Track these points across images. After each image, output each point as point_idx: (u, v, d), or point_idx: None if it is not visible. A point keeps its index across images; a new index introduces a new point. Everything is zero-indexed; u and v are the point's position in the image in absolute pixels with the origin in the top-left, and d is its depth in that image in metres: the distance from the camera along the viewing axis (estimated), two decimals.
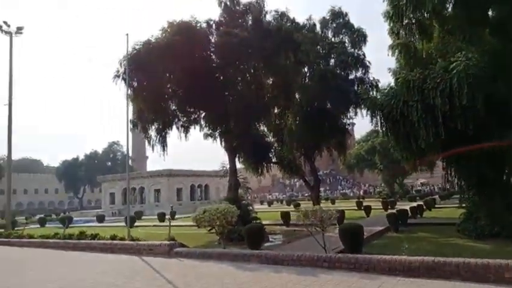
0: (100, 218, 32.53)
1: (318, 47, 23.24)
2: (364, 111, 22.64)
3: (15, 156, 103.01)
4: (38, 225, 30.61)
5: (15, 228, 22.11)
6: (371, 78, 23.27)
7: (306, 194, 73.20)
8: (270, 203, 52.89)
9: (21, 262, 10.29)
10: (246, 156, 22.94)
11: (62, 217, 31.71)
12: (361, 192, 70.46)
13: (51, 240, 12.66)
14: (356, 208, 28.91)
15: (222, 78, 17.65)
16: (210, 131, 22.73)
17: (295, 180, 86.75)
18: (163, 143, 18.92)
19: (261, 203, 57.80)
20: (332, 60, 23.82)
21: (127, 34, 12.72)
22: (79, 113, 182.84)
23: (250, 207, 17.92)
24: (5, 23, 17.90)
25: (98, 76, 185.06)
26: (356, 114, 23.19)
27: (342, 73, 23.20)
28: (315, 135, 23.40)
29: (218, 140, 22.78)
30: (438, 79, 11.23)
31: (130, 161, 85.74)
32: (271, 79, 19.00)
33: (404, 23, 14.17)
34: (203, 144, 72.06)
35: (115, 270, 8.04)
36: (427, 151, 13.12)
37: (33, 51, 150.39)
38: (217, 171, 59.78)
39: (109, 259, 9.65)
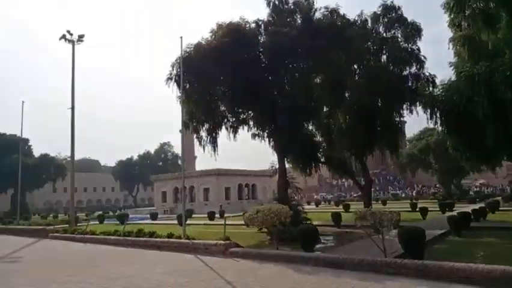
0: (153, 216, 33.82)
1: (369, 43, 22.46)
2: (420, 109, 21.83)
3: (77, 156, 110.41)
4: (98, 222, 32.40)
5: (78, 224, 23.60)
6: (427, 74, 22.02)
7: (355, 195, 71.34)
8: (317, 204, 52.04)
9: (86, 258, 10.72)
10: (294, 156, 22.76)
11: (119, 214, 33.39)
12: (413, 193, 67.35)
13: (112, 237, 13.22)
14: (410, 209, 27.61)
15: (270, 78, 17.64)
16: (258, 131, 22.83)
17: (343, 180, 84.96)
18: (214, 143, 19.26)
19: (308, 203, 56.93)
20: (384, 57, 22.92)
21: (181, 37, 13.09)
22: (132, 115, 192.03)
23: (301, 208, 17.70)
24: (68, 32, 19.24)
25: (149, 79, 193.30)
26: (411, 111, 22.06)
27: (396, 69, 22.23)
28: (366, 134, 22.67)
29: (266, 139, 22.86)
30: (508, 72, 10.36)
31: (180, 161, 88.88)
32: (320, 77, 18.64)
33: (466, 14, 13.22)
34: (250, 144, 72.33)
35: (175, 270, 8.14)
36: (494, 150, 12.15)
37: (88, 55, 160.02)
38: (263, 171, 60.29)
39: (167, 258, 9.81)
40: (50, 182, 66.59)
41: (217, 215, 31.54)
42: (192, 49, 16.12)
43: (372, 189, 75.67)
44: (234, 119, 21.62)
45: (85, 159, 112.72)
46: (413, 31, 22.69)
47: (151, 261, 9.51)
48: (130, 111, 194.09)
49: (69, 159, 73.10)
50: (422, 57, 22.45)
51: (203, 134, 19.88)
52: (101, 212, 45.90)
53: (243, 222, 23.51)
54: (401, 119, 24.05)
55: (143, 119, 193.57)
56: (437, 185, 71.84)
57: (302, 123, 19.15)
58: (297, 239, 10.94)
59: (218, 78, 17.70)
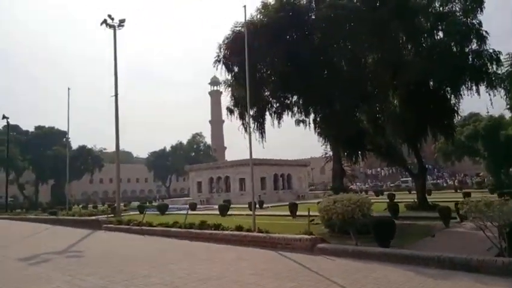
0: (192, 206, 33.49)
1: (422, 19, 20.67)
2: (482, 89, 19.98)
3: (110, 148, 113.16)
4: (137, 212, 32.41)
5: (122, 215, 23.43)
6: (490, 51, 20.02)
7: (392, 184, 68.99)
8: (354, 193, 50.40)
9: (154, 253, 9.71)
10: (339, 143, 21.49)
11: (159, 204, 33.30)
12: (455, 183, 64.20)
13: (172, 229, 12.31)
14: (463, 200, 25.71)
15: (322, 57, 16.38)
16: (303, 117, 21.69)
17: (379, 169, 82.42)
18: (261, 130, 18.31)
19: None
20: (440, 33, 21.08)
21: (245, 6, 11.81)
22: (165, 106, 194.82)
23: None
24: (109, 16, 18.72)
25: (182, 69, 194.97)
26: (475, 92, 20.20)
27: (454, 47, 20.37)
28: (421, 118, 21.08)
29: (311, 125, 21.70)
30: None
31: (212, 152, 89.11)
32: (375, 55, 17.14)
33: None
34: (282, 133, 71.09)
35: (265, 269, 7.05)
36: None
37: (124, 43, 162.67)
38: (298, 161, 59.00)
39: (246, 254, 8.72)
40: (87, 173, 68.11)
41: (257, 206, 30.77)
42: (241, 27, 15.08)
43: (410, 178, 73.07)
44: (277, 105, 20.61)
45: (119, 151, 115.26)
46: (473, 3, 20.69)
47: (229, 258, 8.42)
48: (161, 105, 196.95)
49: (104, 150, 74.96)
50: (484, 33, 20.48)
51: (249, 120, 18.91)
52: (138, 202, 46.40)
53: (284, 212, 22.81)
54: (459, 101, 22.10)
55: (174, 111, 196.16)
56: (481, 174, 68.25)
57: (357, 107, 17.83)
58: (362, 231, 9.85)
59: (265, 59, 16.62)
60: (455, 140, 43.59)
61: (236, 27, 15.32)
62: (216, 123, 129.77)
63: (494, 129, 39.65)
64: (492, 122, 39.84)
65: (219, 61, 15.74)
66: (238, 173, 47.38)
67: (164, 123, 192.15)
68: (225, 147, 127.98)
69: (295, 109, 21.14)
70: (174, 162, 79.14)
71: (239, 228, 10.26)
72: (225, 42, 15.63)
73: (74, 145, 65.10)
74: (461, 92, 21.22)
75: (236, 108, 18.71)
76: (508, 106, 28.67)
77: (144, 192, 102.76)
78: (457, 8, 21.13)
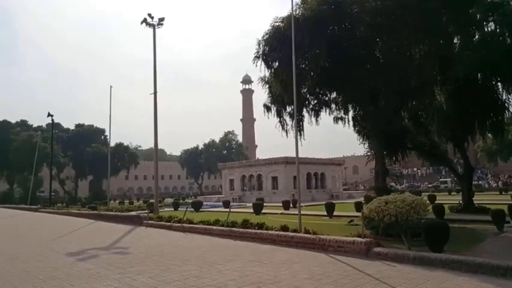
0: (226, 204, 33.51)
1: (475, 9, 19.43)
2: None
3: (145, 146, 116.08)
4: (172, 209, 32.83)
5: (160, 211, 23.67)
6: None
7: (430, 185, 66.29)
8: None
9: (199, 252, 9.41)
10: (382, 141, 20.68)
11: (194, 201, 33.59)
12: (499, 184, 60.75)
13: (215, 227, 12.08)
14: None
15: (365, 51, 15.70)
16: (341, 114, 21.08)
17: (415, 169, 79.53)
18: (299, 127, 17.86)
19: None
20: (492, 24, 19.76)
21: None
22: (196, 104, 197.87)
23: None
24: (149, 15, 18.92)
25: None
26: None
27: (508, 39, 19.03)
28: (468, 115, 19.90)
29: (350, 123, 21.08)
30: None
31: (244, 150, 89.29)
32: (423, 48, 16.21)
33: None
34: (316, 131, 70.20)
35: (322, 274, 6.52)
36: None
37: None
38: (332, 159, 57.94)
39: (296, 257, 8.23)
40: (123, 169, 70.11)
41: (291, 205, 30.31)
42: (280, 23, 14.70)
43: (449, 179, 69.89)
44: (315, 102, 20.09)
45: (152, 148, 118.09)
46: None
47: (279, 260, 7.96)
48: (193, 102, 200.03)
49: (139, 148, 76.34)
50: None
51: (286, 117, 18.57)
52: (172, 199, 47.12)
53: (321, 212, 22.20)
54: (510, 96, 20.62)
55: (205, 110, 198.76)
56: None
57: (402, 104, 17.00)
58: (408, 235, 9.22)
59: (306, 55, 16.11)
60: (500, 140, 41.44)
61: (276, 22, 14.96)
62: (247, 121, 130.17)
63: None
64: None
65: (258, 57, 15.41)
66: (270, 171, 47.11)
67: (197, 122, 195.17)
68: (256, 146, 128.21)
69: (333, 106, 20.57)
70: (206, 160, 79.97)
71: (285, 228, 9.83)
72: (265, 38, 15.29)
73: (112, 142, 67.20)
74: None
75: (273, 105, 18.37)
76: None
77: (177, 189, 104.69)
78: None
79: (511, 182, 62.99)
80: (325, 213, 20.61)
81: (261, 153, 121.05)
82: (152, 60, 18.77)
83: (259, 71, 15.69)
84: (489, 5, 19.65)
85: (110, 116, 25.60)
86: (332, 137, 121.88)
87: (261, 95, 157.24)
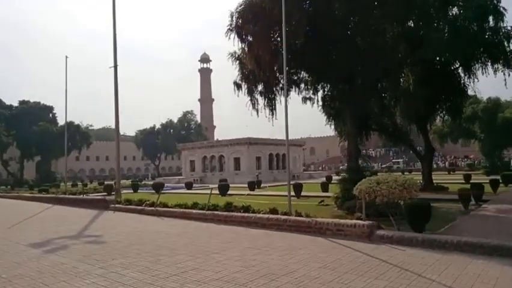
0: (189, 185, 32.65)
1: None
2: (499, 67, 19.33)
3: (96, 126, 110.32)
4: (131, 191, 31.44)
5: (112, 193, 22.33)
6: (509, 28, 19.30)
7: (383, 166, 69.24)
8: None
9: (186, 239, 8.56)
10: (353, 121, 20.79)
11: (155, 183, 32.37)
12: (446, 165, 64.90)
13: (194, 211, 11.23)
14: (464, 181, 25.45)
15: (340, 29, 15.29)
16: (310, 95, 20.77)
17: (371, 150, 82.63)
18: (271, 106, 17.32)
19: (337, 174, 55.33)
20: (455, 9, 20.19)
21: None
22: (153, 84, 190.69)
23: None
24: None
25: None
26: (486, 69, 19.59)
27: (469, 24, 19.54)
28: (432, 98, 20.47)
29: (319, 103, 20.85)
30: None
31: (203, 130, 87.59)
32: (395, 29, 16.15)
33: None
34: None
35: (333, 263, 5.97)
36: None
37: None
38: (294, 141, 58.40)
39: (297, 242, 7.64)
40: (74, 150, 66.13)
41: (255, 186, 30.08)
42: None
43: (401, 160, 73.26)
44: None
45: (104, 128, 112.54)
46: None
47: (279, 246, 7.27)
48: (151, 82, 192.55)
49: (91, 127, 72.26)
50: (501, 9, 19.69)
51: (257, 96, 17.91)
52: (129, 181, 45.24)
53: (284, 192, 22.14)
54: (473, 81, 21.42)
55: (164, 89, 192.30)
56: (471, 156, 69.09)
57: (377, 85, 16.96)
58: (384, 214, 9.18)
59: (278, 29, 15.39)
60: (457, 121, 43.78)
61: None
62: (206, 101, 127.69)
63: (492, 112, 39.62)
64: (491, 105, 39.75)
65: (232, 30, 14.44)
66: (233, 152, 46.57)
67: (153, 102, 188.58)
68: (215, 126, 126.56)
69: (302, 86, 20.21)
70: (164, 141, 77.59)
71: (274, 211, 9.29)
72: (238, 9, 14.37)
73: (61, 121, 62.91)
74: (475, 71, 20.64)
75: (244, 83, 17.59)
76: None
77: (132, 170, 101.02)
78: None
79: (456, 162, 67.47)
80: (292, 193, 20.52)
81: (219, 135, 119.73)
82: (108, 33, 17.19)
83: (233, 45, 14.79)
84: None
85: (66, 90, 24.11)
86: (293, 119, 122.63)
87: (221, 74, 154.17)
